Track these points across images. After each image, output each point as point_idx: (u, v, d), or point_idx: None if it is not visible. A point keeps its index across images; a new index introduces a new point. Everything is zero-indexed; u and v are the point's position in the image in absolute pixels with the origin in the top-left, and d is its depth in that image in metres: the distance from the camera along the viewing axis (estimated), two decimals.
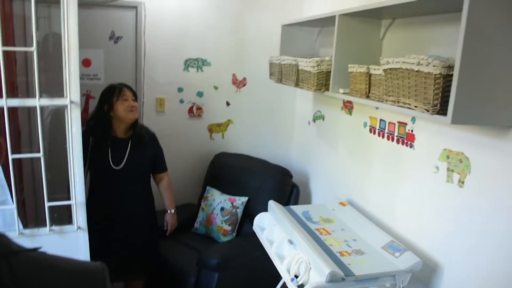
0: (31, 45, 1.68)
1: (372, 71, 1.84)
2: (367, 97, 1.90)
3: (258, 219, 2.30)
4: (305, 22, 2.62)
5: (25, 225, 1.94)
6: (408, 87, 1.50)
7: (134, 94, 2.36)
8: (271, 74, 2.91)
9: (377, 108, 2.23)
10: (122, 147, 2.32)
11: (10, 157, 1.73)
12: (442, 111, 1.37)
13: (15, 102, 1.77)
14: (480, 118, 1.39)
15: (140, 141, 2.37)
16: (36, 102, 1.74)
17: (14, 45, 2.53)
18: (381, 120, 2.22)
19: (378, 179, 2.26)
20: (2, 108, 1.68)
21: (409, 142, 2.00)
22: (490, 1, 1.27)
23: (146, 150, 2.40)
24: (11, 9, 2.53)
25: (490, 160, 1.53)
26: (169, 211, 2.58)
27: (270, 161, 3.12)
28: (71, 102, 1.80)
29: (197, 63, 3.17)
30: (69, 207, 1.93)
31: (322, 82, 2.20)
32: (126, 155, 2.31)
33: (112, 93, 2.29)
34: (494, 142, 1.51)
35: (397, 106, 1.60)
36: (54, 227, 1.89)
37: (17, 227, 1.81)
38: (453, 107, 1.31)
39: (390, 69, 1.60)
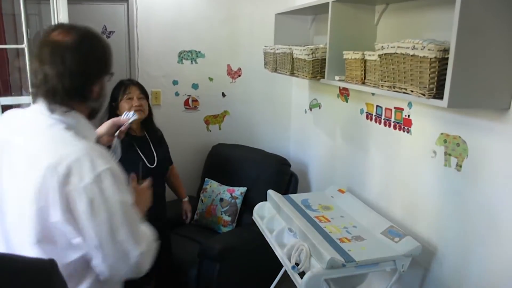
0: (22, 43, 1.67)
1: (367, 57, 1.83)
2: (363, 83, 1.90)
3: (258, 209, 2.31)
4: (298, 10, 2.60)
5: None
6: (403, 72, 1.49)
7: (143, 91, 2.23)
8: (266, 64, 2.90)
9: (373, 94, 2.22)
10: (145, 146, 2.26)
11: None
12: (438, 95, 1.37)
13: (8, 100, 1.76)
14: (476, 101, 1.39)
15: (158, 137, 2.36)
16: (30, 99, 1.73)
17: (5, 43, 2.51)
18: (377, 106, 2.22)
19: (376, 165, 2.26)
20: None
21: (406, 128, 2.00)
22: None
23: (163, 145, 2.41)
24: (0, 7, 2.50)
25: (487, 143, 1.53)
26: (185, 199, 2.64)
27: (267, 150, 3.12)
28: None
29: (191, 55, 3.15)
30: None
31: (318, 70, 2.19)
32: (154, 153, 2.26)
33: (118, 90, 2.18)
34: (490, 125, 1.51)
35: (393, 91, 1.60)
36: None
37: None
38: (449, 90, 1.30)
39: (385, 54, 1.59)
